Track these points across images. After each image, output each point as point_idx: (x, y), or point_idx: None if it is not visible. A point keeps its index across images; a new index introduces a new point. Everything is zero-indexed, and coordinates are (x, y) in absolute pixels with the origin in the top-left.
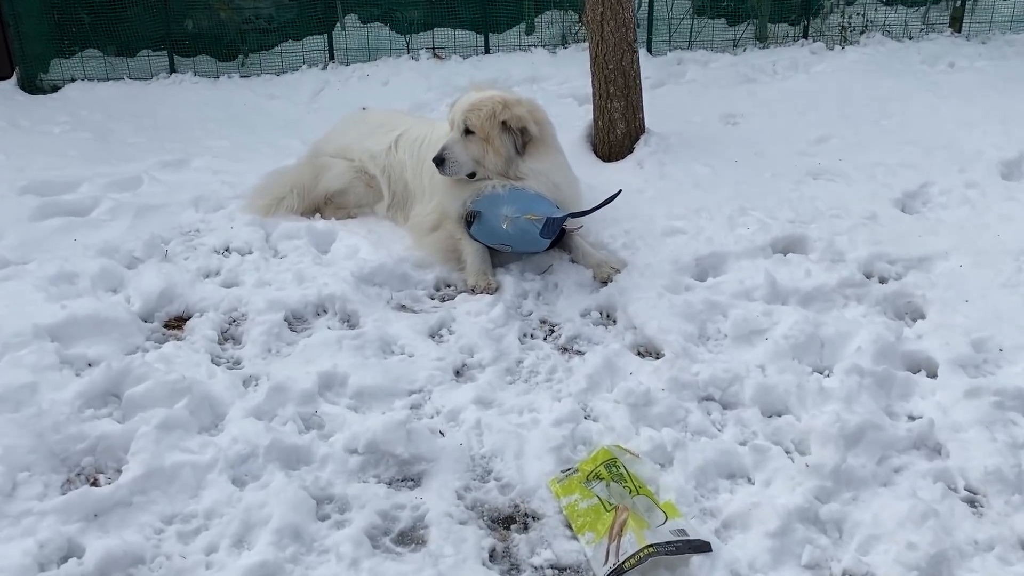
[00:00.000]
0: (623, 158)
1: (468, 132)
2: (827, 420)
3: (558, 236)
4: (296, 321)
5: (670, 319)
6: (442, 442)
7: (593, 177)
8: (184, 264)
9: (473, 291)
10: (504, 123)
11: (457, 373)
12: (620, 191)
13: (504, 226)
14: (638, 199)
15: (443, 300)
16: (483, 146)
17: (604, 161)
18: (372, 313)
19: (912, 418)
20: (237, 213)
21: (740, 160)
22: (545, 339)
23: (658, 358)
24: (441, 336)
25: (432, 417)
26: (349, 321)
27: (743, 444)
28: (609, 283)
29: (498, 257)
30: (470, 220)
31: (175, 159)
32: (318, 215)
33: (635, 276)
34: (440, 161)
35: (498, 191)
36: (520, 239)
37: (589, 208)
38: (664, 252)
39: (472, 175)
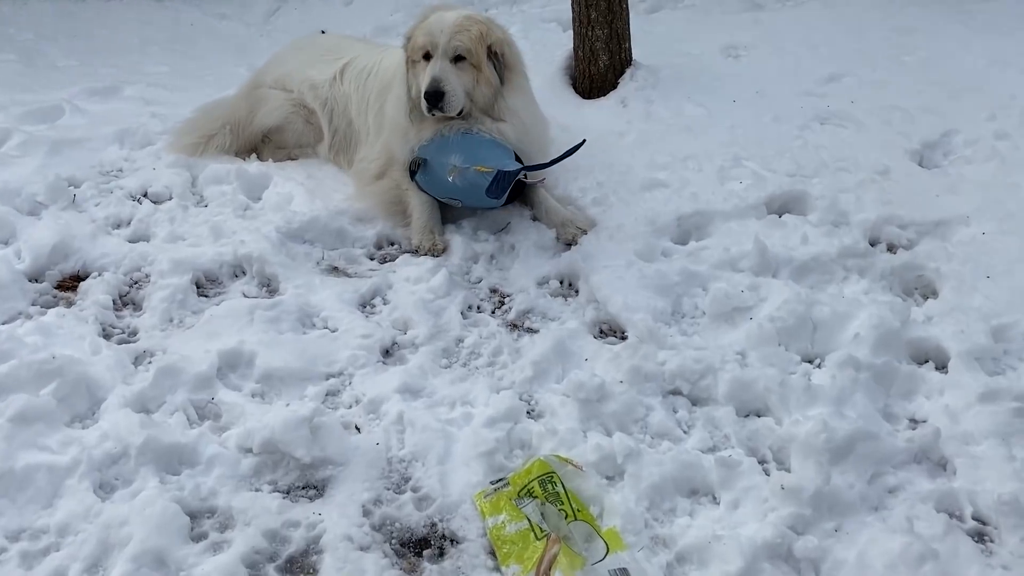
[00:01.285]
0: (605, 95)
1: (459, 59)
2: (812, 428)
3: (515, 190)
4: (209, 284)
5: (639, 293)
6: (356, 440)
7: (568, 116)
8: (92, 212)
9: (417, 251)
10: (489, 47)
11: (386, 353)
12: (584, 141)
13: (450, 178)
14: (617, 144)
15: (383, 262)
16: (473, 75)
17: (583, 98)
18: (295, 277)
19: (914, 423)
20: (164, 152)
21: (739, 100)
22: (493, 313)
23: (622, 339)
24: (373, 307)
25: (350, 407)
26: (269, 286)
27: (710, 452)
28: (574, 246)
29: (450, 212)
30: (415, 168)
31: (105, 86)
32: (254, 156)
33: (604, 239)
34: (436, 96)
35: (446, 135)
36: (469, 193)
37: (547, 161)
38: (641, 209)
39: (459, 113)
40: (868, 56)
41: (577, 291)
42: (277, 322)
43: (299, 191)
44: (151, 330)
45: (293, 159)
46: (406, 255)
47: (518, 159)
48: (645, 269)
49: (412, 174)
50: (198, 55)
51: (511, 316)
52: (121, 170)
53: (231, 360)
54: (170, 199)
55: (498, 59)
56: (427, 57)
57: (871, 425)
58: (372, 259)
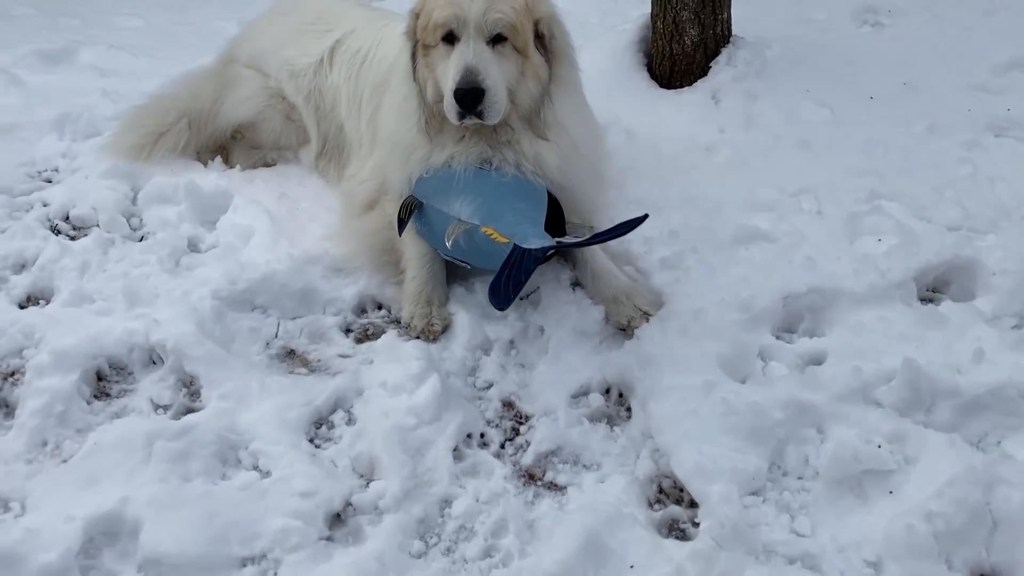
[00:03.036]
0: (691, 83)
1: (498, 39)
2: None
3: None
4: (113, 376)
5: (720, 441)
6: None
7: (638, 114)
8: None
9: (408, 329)
10: (536, 24)
11: (333, 522)
12: (645, 217)
13: (448, 241)
14: (703, 165)
15: (361, 339)
16: (518, 64)
17: (662, 86)
18: (226, 378)
19: None
20: (101, 155)
21: (878, 96)
22: (502, 447)
23: (691, 518)
24: (331, 428)
25: None
26: (190, 386)
27: None
28: (629, 336)
29: (460, 268)
30: (408, 211)
31: (57, 48)
32: (219, 158)
33: (674, 331)
34: (473, 96)
35: (453, 166)
36: (478, 258)
37: (587, 237)
38: (731, 280)
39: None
40: None
41: (628, 410)
42: (184, 460)
43: (263, 222)
44: (13, 461)
45: (269, 165)
46: (393, 332)
47: (553, 201)
48: (733, 397)
49: (403, 218)
50: (178, 3)
51: (528, 459)
52: (57, 170)
53: (107, 529)
54: (96, 226)
55: (544, 43)
56: (449, 40)
57: None
58: (348, 333)
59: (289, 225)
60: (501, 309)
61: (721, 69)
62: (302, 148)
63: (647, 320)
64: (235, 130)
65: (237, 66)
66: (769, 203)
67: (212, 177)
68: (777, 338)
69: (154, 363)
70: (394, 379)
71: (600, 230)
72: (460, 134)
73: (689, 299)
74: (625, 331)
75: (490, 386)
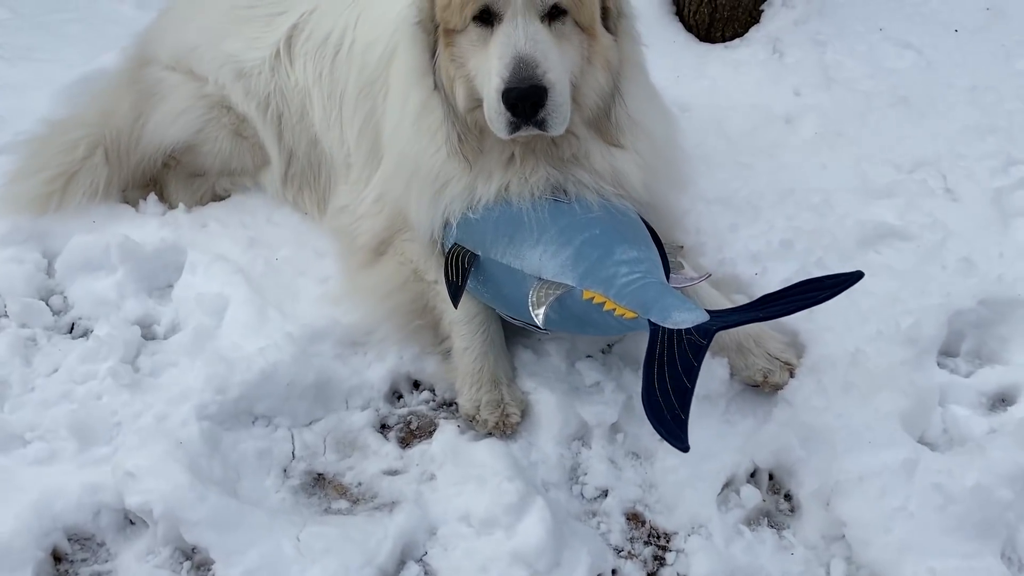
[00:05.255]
0: (741, 34)
1: (555, 13)
2: None
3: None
4: (79, 549)
5: (947, 545)
6: None
7: (688, 80)
8: None
9: (474, 423)
10: None
11: None
12: (860, 276)
13: (534, 309)
14: (789, 141)
15: (406, 440)
16: (583, 47)
17: (702, 39)
18: (245, 543)
19: None
20: None
21: (962, 27)
22: None
23: None
24: None
25: None
26: (193, 558)
27: None
28: (768, 390)
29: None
30: (460, 268)
31: None
32: (152, 196)
33: (833, 384)
34: (533, 96)
35: (513, 199)
36: (575, 325)
37: (768, 307)
38: (877, 300)
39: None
40: None
41: (788, 498)
42: None
43: (237, 286)
44: None
45: (221, 197)
46: (449, 425)
47: (655, 236)
48: (946, 479)
49: (456, 280)
50: None
51: None
52: None
53: None
54: (4, 317)
55: (609, 17)
56: (484, 19)
57: None
58: (386, 432)
59: (272, 286)
60: (682, 447)
61: (776, 12)
62: (261, 171)
63: (791, 374)
64: (168, 155)
65: (157, 68)
66: (886, 186)
67: (151, 227)
68: (941, 366)
69: (133, 523)
70: (480, 509)
71: (775, 294)
72: (508, 152)
73: (836, 336)
74: (760, 388)
75: (604, 494)
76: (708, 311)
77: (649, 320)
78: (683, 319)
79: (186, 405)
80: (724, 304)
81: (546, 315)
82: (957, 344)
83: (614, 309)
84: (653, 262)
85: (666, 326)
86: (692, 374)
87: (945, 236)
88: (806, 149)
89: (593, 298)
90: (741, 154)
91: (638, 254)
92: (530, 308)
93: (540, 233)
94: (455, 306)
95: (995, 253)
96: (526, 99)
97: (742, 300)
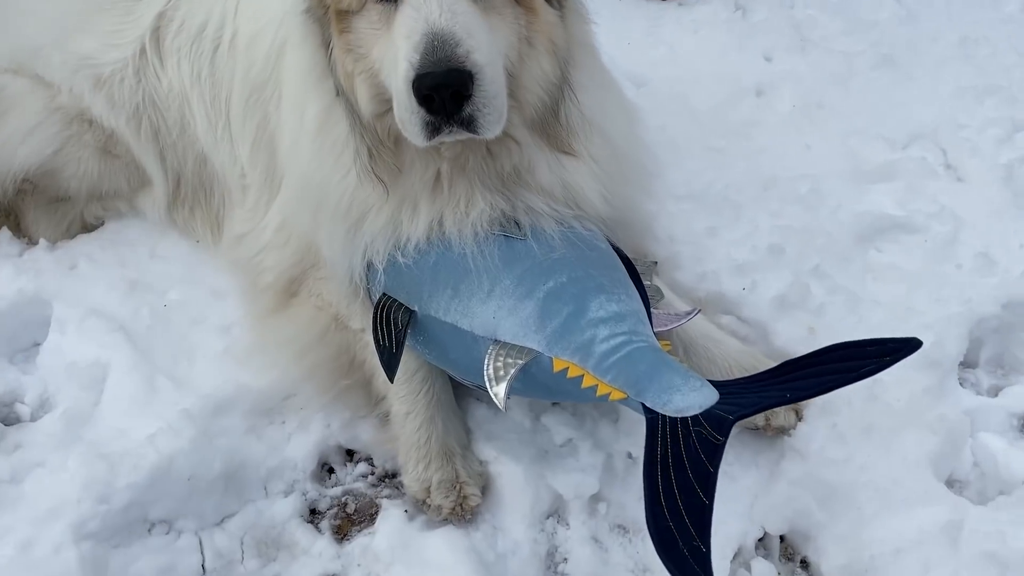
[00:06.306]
0: None
1: None
2: None
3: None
4: None
5: None
6: None
7: (642, 48)
8: None
9: (424, 509)
10: None
11: None
12: (917, 344)
13: (491, 383)
14: (765, 118)
15: (342, 530)
16: (517, 24)
17: None
18: None
19: None
20: None
21: None
22: None
23: None
24: None
25: None
26: None
27: None
28: (770, 432)
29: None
30: (392, 320)
31: None
32: (4, 229)
33: (850, 428)
34: (455, 82)
35: (455, 243)
36: (542, 392)
37: (804, 386)
38: (887, 313)
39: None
40: None
41: (804, 565)
42: None
43: (117, 347)
44: None
45: (92, 226)
46: (393, 507)
47: (627, 264)
48: (997, 545)
49: (388, 345)
50: None
51: None
52: None
53: None
54: None
55: None
56: None
57: None
58: (317, 520)
59: (162, 344)
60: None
61: None
62: (138, 193)
63: (799, 417)
64: (22, 180)
65: None
66: (881, 167)
67: (5, 274)
68: (962, 383)
69: None
70: None
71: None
72: (431, 170)
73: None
74: (763, 431)
75: None
76: (716, 384)
77: (644, 406)
78: (688, 403)
79: (59, 524)
80: (723, 348)
81: (509, 389)
82: (976, 352)
83: (595, 385)
84: (637, 316)
85: (666, 414)
86: (709, 486)
87: (956, 227)
88: (784, 126)
89: (568, 369)
90: (710, 136)
91: (618, 308)
92: (487, 384)
93: (492, 283)
94: (390, 378)
95: (1015, 244)
96: (445, 87)
97: (731, 324)
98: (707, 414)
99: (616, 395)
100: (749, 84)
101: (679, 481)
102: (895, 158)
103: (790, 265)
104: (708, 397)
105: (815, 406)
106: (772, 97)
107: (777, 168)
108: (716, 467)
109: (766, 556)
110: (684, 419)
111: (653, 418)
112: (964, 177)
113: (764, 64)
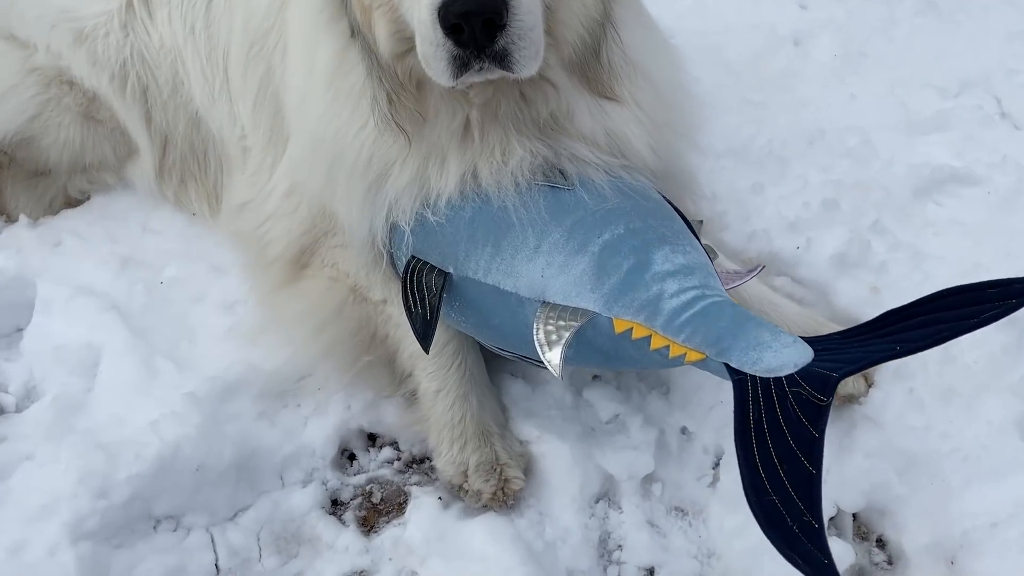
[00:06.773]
0: None
1: None
2: None
3: None
4: None
5: None
6: None
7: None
8: None
9: (460, 494)
10: None
11: None
12: None
13: (543, 349)
14: (804, 68)
15: (369, 522)
16: None
17: None
18: None
19: None
20: None
21: None
22: None
23: None
24: None
25: None
26: None
27: None
28: (843, 403)
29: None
30: (429, 291)
31: None
32: None
33: (929, 392)
34: (487, 9)
35: (494, 196)
36: (599, 360)
37: (913, 339)
38: (957, 268)
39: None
40: None
41: (880, 544)
42: None
43: (110, 327)
44: None
45: (77, 201)
46: (425, 494)
47: (686, 223)
48: None
49: (423, 312)
50: None
51: None
52: None
53: None
54: None
55: None
56: None
57: None
58: (340, 511)
59: (160, 324)
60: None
61: None
62: (126, 163)
63: (868, 383)
64: None
65: None
66: (934, 117)
67: None
68: None
69: None
70: None
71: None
72: (460, 117)
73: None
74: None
75: (651, 574)
76: (809, 340)
77: (728, 367)
78: (781, 361)
79: (53, 522)
80: (781, 311)
81: (564, 354)
82: None
83: (667, 346)
84: (707, 269)
85: (756, 374)
86: (815, 452)
87: (1019, 177)
88: (826, 77)
89: (631, 329)
90: (748, 89)
91: (685, 260)
92: (539, 350)
93: (538, 238)
94: (425, 349)
95: None
96: (476, 14)
97: (785, 286)
98: (806, 372)
99: (693, 356)
100: (785, 33)
101: (779, 450)
102: (947, 107)
103: (847, 221)
104: (803, 354)
105: (887, 370)
106: (811, 46)
107: (822, 121)
108: (822, 432)
109: (839, 535)
110: (779, 379)
111: (742, 379)
112: (1022, 125)
113: (799, 12)
